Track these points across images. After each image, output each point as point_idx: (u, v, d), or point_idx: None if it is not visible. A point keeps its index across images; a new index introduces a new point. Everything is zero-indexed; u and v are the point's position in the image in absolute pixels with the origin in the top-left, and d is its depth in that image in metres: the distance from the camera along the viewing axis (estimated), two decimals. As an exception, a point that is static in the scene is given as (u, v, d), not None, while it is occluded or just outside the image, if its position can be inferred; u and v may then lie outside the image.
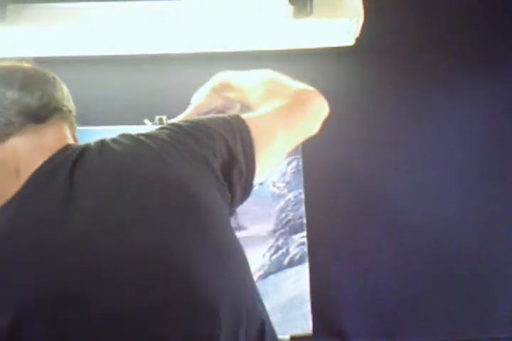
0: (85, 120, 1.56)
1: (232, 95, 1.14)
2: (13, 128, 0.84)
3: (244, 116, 0.95)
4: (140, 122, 1.53)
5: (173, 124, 0.93)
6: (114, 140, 0.90)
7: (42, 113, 0.87)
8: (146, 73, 1.62)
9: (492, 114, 1.62)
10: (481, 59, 1.63)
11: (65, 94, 0.95)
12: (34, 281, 0.72)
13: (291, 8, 1.39)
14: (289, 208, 1.43)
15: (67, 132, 0.91)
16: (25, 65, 0.94)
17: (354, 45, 1.50)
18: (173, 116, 1.34)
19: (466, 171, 1.59)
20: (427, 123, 1.61)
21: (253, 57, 1.56)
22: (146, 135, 0.88)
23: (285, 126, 0.98)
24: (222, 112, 1.19)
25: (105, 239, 0.75)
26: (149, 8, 1.41)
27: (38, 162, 0.82)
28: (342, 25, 1.43)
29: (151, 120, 1.50)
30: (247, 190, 0.91)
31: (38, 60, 1.56)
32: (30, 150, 0.84)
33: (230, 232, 0.86)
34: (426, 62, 1.62)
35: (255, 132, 0.92)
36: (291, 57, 1.57)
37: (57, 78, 0.96)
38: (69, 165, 0.81)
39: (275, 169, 1.10)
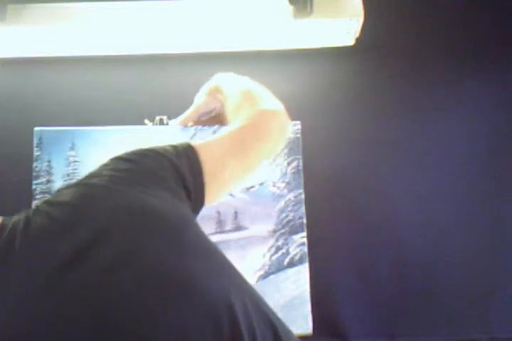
0: (85, 120, 1.56)
1: (221, 98, 1.14)
2: None
3: (195, 143, 0.91)
4: (140, 122, 1.53)
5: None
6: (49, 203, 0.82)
7: None
8: (146, 73, 1.62)
9: (493, 114, 1.62)
10: (481, 59, 1.63)
11: None
12: None
13: (291, 8, 1.39)
14: (289, 208, 1.42)
15: None
16: None
17: (354, 45, 1.50)
18: (173, 116, 1.34)
19: (467, 171, 1.59)
20: (428, 123, 1.61)
21: (253, 57, 1.56)
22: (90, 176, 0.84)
23: (236, 152, 0.94)
24: (222, 114, 1.19)
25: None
26: (149, 8, 1.41)
27: None
28: (342, 25, 1.43)
29: (151, 120, 1.50)
30: (195, 211, 0.87)
31: (38, 60, 1.57)
32: None
33: (207, 237, 0.83)
34: (426, 62, 1.62)
35: (205, 158, 0.88)
36: (291, 57, 1.57)
37: None
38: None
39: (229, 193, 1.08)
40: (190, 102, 1.29)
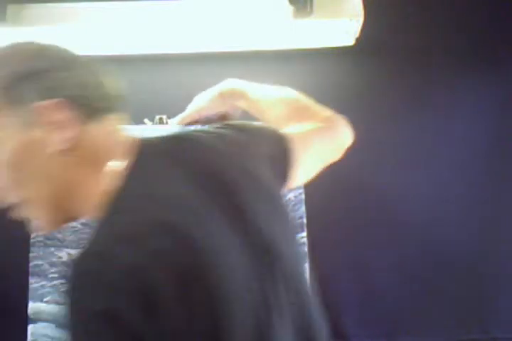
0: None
1: (242, 104, 1.14)
2: (96, 113, 0.80)
3: (285, 131, 0.96)
4: (140, 122, 1.53)
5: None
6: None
7: (114, 102, 0.85)
8: (146, 73, 1.62)
9: (493, 114, 1.62)
10: (481, 59, 1.63)
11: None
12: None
13: (291, 8, 1.39)
14: (289, 208, 1.42)
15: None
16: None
17: (354, 45, 1.50)
18: (173, 116, 1.34)
19: (467, 171, 1.59)
20: (428, 124, 1.61)
21: (253, 57, 1.56)
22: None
23: (319, 148, 1.00)
24: (224, 118, 1.18)
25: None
26: (149, 8, 1.41)
27: (123, 153, 0.78)
28: (342, 25, 1.43)
29: (151, 119, 1.49)
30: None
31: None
32: (116, 141, 0.82)
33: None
34: (426, 62, 1.62)
35: (295, 147, 0.93)
36: (291, 57, 1.57)
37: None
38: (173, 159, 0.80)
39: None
40: (190, 102, 1.29)
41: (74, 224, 1.49)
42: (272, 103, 1.10)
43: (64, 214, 0.80)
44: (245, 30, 1.46)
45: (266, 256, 0.77)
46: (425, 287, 1.54)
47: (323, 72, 1.60)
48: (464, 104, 1.62)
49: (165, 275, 0.64)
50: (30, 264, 1.46)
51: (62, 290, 0.67)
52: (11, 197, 0.78)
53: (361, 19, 1.39)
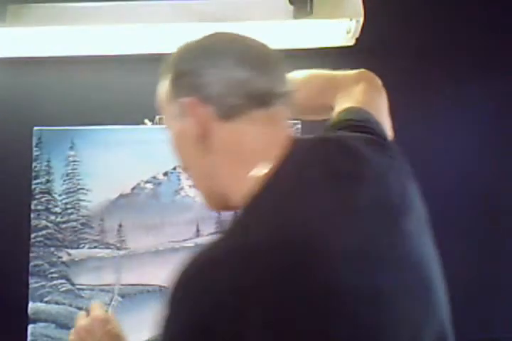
0: (85, 120, 1.56)
1: None
2: (239, 110, 0.80)
3: (358, 106, 0.96)
4: (140, 122, 1.53)
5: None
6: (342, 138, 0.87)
7: (268, 98, 0.81)
8: (146, 73, 1.62)
9: (494, 114, 1.62)
10: (481, 59, 1.63)
11: (287, 75, 0.91)
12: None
13: (291, 8, 1.38)
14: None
15: (288, 118, 0.86)
16: (256, 41, 0.92)
17: (354, 45, 1.50)
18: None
19: (467, 172, 1.59)
20: (427, 124, 1.61)
21: (253, 57, 1.56)
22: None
23: (380, 102, 1.01)
24: None
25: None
26: (149, 8, 1.40)
27: (271, 152, 0.77)
28: (342, 25, 1.43)
29: (151, 120, 1.50)
30: None
31: (38, 60, 1.57)
32: (261, 138, 0.80)
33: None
34: (426, 62, 1.62)
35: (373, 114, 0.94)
36: (291, 57, 1.56)
37: (281, 56, 0.92)
38: (321, 159, 0.79)
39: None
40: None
41: (74, 224, 1.49)
42: (297, 85, 1.10)
43: (222, 202, 0.82)
44: (245, 30, 1.45)
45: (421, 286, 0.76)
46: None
47: (323, 72, 1.60)
48: (464, 104, 1.62)
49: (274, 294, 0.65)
50: (30, 264, 1.46)
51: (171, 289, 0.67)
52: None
53: (361, 19, 1.39)
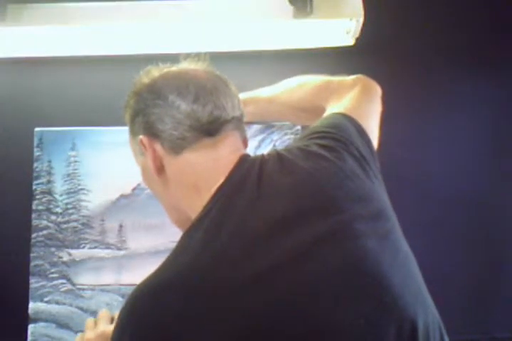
0: (86, 120, 1.56)
1: (251, 109, 1.15)
2: (186, 142, 0.85)
3: (342, 112, 0.98)
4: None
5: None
6: (288, 151, 0.88)
7: (213, 127, 0.86)
8: (146, 73, 1.62)
9: (492, 116, 1.62)
10: (481, 59, 1.63)
11: (235, 100, 0.92)
12: (262, 305, 0.72)
13: (291, 8, 1.39)
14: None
15: (239, 141, 0.90)
16: (198, 71, 0.95)
17: (354, 45, 1.50)
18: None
19: (466, 173, 1.59)
20: (428, 124, 1.61)
21: (253, 57, 1.56)
22: (321, 145, 0.89)
23: (370, 109, 1.03)
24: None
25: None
26: (149, 8, 1.41)
27: (217, 178, 0.82)
28: (342, 25, 1.43)
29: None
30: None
31: (38, 60, 1.57)
32: (207, 166, 0.85)
33: (402, 236, 0.89)
34: (426, 62, 1.62)
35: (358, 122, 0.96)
36: (291, 57, 1.57)
37: (227, 80, 0.95)
38: (253, 180, 0.81)
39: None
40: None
41: (75, 224, 1.49)
42: (289, 91, 1.11)
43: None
44: (245, 30, 1.46)
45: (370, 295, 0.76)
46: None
47: (323, 72, 1.59)
48: (464, 104, 1.62)
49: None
50: (31, 264, 1.46)
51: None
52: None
53: (361, 19, 1.39)
